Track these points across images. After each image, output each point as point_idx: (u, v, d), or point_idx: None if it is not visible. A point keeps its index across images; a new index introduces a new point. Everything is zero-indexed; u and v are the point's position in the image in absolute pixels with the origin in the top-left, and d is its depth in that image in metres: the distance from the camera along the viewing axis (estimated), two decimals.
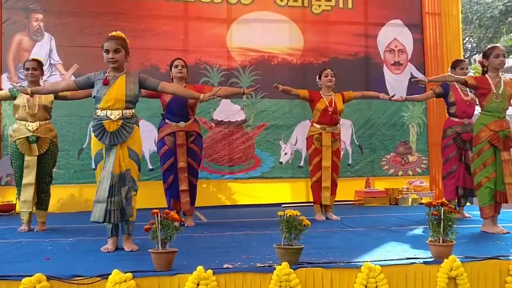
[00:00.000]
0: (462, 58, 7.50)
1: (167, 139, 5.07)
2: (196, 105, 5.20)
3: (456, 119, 5.52)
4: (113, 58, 3.76)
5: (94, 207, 3.67)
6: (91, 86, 3.84)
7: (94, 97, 3.80)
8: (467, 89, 5.45)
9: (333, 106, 5.38)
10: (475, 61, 17.89)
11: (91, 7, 6.87)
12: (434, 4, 7.87)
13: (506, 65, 22.03)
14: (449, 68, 5.80)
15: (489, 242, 3.99)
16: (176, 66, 5.13)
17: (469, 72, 5.58)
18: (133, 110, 3.84)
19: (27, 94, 4.16)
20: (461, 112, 5.45)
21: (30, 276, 2.71)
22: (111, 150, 3.71)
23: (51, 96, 4.82)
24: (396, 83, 7.75)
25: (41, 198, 4.82)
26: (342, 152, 7.40)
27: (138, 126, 3.91)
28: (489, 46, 4.66)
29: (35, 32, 6.77)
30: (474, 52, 21.83)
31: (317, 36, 7.52)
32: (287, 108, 7.34)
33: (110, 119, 3.73)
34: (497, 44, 4.72)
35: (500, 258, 3.27)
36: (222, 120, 7.18)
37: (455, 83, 5.46)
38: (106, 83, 3.75)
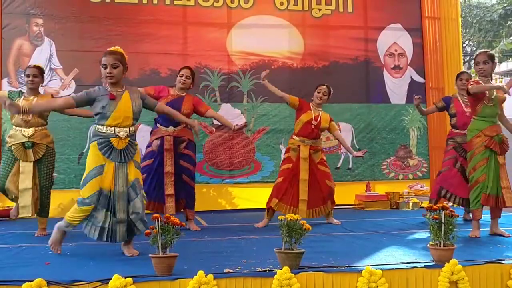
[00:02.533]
0: (461, 61, 7.54)
1: (154, 142, 5.09)
2: (190, 115, 5.16)
3: (457, 130, 5.54)
4: (111, 73, 3.68)
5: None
6: (91, 103, 3.72)
7: (98, 113, 3.69)
8: (465, 98, 5.45)
9: (318, 121, 5.33)
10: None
11: (91, 12, 6.89)
12: (433, 8, 7.88)
13: (505, 69, 22.03)
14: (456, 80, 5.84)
15: (490, 246, 3.99)
16: (182, 75, 5.16)
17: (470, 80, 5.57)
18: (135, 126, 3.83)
19: (19, 111, 3.92)
20: (461, 124, 5.43)
21: (31, 281, 2.70)
22: (119, 168, 3.68)
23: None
24: (396, 87, 7.77)
25: (42, 203, 4.81)
26: (342, 156, 7.49)
27: None
28: (476, 52, 4.65)
29: (35, 37, 6.78)
30: (474, 56, 21.84)
31: (317, 40, 7.54)
32: (287, 112, 7.32)
33: (118, 136, 3.68)
34: (484, 50, 4.69)
35: (501, 262, 3.27)
36: (222, 125, 7.17)
37: (458, 96, 5.57)
38: (113, 97, 3.66)
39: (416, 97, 5.68)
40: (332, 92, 5.47)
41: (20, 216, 4.79)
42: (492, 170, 4.37)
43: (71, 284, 2.76)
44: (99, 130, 3.69)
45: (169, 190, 5.01)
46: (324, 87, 5.42)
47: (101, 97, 3.68)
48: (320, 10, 7.59)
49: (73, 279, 2.80)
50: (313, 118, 5.32)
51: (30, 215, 4.73)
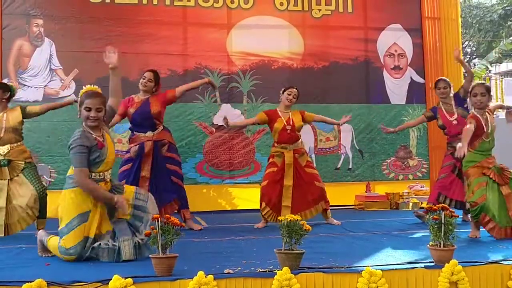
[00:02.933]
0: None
1: (132, 149, 5.08)
2: (162, 113, 5.18)
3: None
4: (95, 117, 3.59)
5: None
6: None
7: (92, 161, 3.58)
8: (452, 107, 5.49)
9: (291, 124, 5.33)
10: (474, 65, 17.90)
11: (91, 12, 6.88)
12: (433, 8, 7.88)
13: (505, 69, 21.99)
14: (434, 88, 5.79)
15: (490, 246, 3.99)
16: (144, 78, 5.14)
17: (447, 89, 5.56)
18: None
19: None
20: (453, 134, 5.45)
21: (31, 282, 2.70)
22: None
23: (19, 117, 4.78)
24: (396, 87, 7.76)
25: (40, 206, 4.78)
26: (342, 157, 7.48)
27: None
28: (473, 84, 4.58)
29: (35, 37, 6.78)
30: (474, 56, 21.88)
31: (317, 41, 7.53)
32: None
33: (106, 180, 3.69)
34: (481, 82, 4.60)
35: (502, 262, 3.27)
36: (222, 125, 7.16)
37: (441, 104, 5.56)
38: (102, 146, 3.60)
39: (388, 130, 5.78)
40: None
41: None
42: (492, 194, 4.28)
43: (71, 285, 2.77)
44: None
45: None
46: (295, 90, 5.46)
47: (93, 147, 3.57)
48: (320, 10, 7.59)
49: (73, 280, 2.80)
50: (285, 123, 5.33)
51: (2, 235, 4.61)
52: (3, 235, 4.63)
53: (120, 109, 4.93)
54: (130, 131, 5.34)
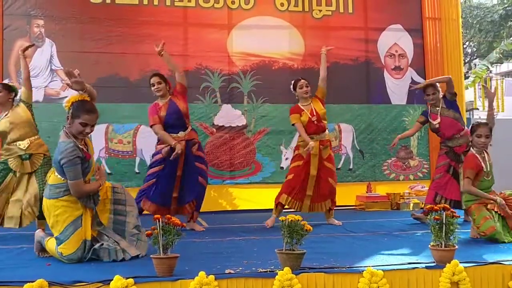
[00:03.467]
0: (462, 61, 7.55)
1: (164, 150, 5.07)
2: (187, 108, 5.23)
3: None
4: (88, 133, 3.60)
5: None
6: None
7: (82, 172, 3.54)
8: (443, 107, 5.50)
9: (315, 114, 5.33)
10: (475, 65, 17.90)
11: (92, 13, 6.89)
12: (434, 8, 7.88)
13: (506, 69, 21.97)
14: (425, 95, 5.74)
15: (492, 246, 3.98)
16: (153, 85, 5.13)
17: (436, 95, 5.62)
18: None
19: (82, 87, 3.68)
20: (446, 136, 5.50)
21: (32, 282, 2.70)
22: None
23: (26, 110, 4.83)
24: (396, 87, 7.77)
25: (41, 207, 4.80)
26: (343, 157, 7.48)
27: None
28: (474, 123, 4.55)
29: (36, 38, 6.78)
30: (474, 57, 21.87)
31: (317, 41, 7.49)
32: (288, 113, 7.30)
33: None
34: (485, 122, 4.53)
35: (503, 262, 3.26)
36: (223, 125, 7.19)
37: (430, 108, 5.60)
38: (89, 157, 3.61)
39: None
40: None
41: (5, 226, 4.75)
42: (499, 223, 4.25)
43: (72, 285, 2.77)
44: None
45: (176, 193, 5.08)
46: (302, 80, 5.41)
47: (83, 159, 3.54)
48: (320, 11, 7.59)
49: (74, 280, 2.80)
50: (310, 115, 5.33)
51: (16, 227, 4.69)
52: (17, 227, 4.71)
53: (155, 118, 5.03)
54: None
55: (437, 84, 5.69)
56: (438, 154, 5.72)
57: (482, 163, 4.36)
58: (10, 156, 4.76)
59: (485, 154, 4.45)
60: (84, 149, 3.58)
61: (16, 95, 4.99)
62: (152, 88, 5.13)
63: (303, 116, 5.33)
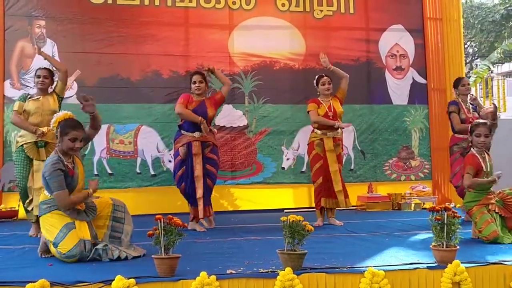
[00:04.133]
0: (463, 62, 7.57)
1: (181, 150, 5.15)
2: (214, 116, 5.41)
3: (460, 135, 5.61)
4: (78, 148, 3.74)
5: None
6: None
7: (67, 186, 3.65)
8: (470, 106, 5.64)
9: (332, 110, 5.43)
10: (476, 65, 17.89)
11: (93, 13, 6.89)
12: (435, 9, 7.88)
13: (507, 69, 22.04)
14: (452, 88, 5.96)
15: (493, 246, 3.98)
16: (195, 82, 5.23)
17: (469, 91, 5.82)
18: None
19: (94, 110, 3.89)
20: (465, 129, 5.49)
21: (34, 282, 2.70)
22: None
23: (56, 102, 5.01)
24: (398, 88, 7.76)
25: None
26: (344, 157, 7.47)
27: None
28: (474, 123, 4.54)
29: (37, 38, 6.79)
30: (476, 57, 21.85)
31: (318, 41, 7.53)
32: (289, 113, 7.34)
33: None
34: (483, 121, 4.52)
35: (505, 263, 3.26)
36: (224, 126, 7.19)
37: (461, 101, 5.70)
38: (72, 173, 3.69)
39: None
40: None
41: (29, 218, 4.90)
42: (500, 226, 4.24)
43: (74, 285, 2.77)
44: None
45: (200, 193, 5.12)
46: (326, 77, 5.53)
47: (65, 173, 3.64)
48: (321, 11, 7.59)
49: (76, 280, 2.80)
50: (327, 110, 5.42)
51: (34, 220, 4.78)
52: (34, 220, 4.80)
53: (184, 102, 5.12)
54: (178, 128, 5.33)
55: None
56: (451, 161, 5.79)
57: (482, 163, 4.36)
58: (26, 142, 4.84)
59: (486, 155, 4.44)
60: (69, 166, 3.68)
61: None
62: (193, 86, 5.21)
63: (320, 109, 5.44)
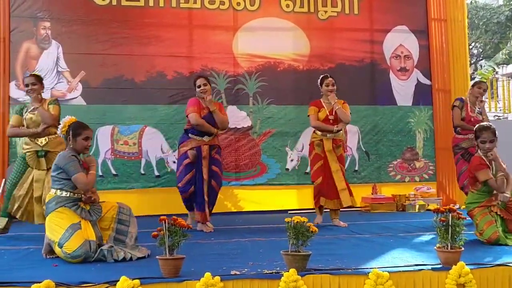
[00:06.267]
0: (468, 63, 7.56)
1: (190, 153, 5.14)
2: None
3: (460, 136, 5.64)
4: (89, 145, 3.92)
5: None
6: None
7: (68, 179, 3.76)
8: (476, 108, 5.65)
9: (333, 114, 5.44)
10: (481, 66, 17.85)
11: (98, 15, 6.91)
12: (440, 10, 7.86)
13: (510, 71, 22.11)
14: (470, 87, 6.00)
15: (498, 248, 3.97)
16: (199, 86, 5.24)
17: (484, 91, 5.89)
18: None
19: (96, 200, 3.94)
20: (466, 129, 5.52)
21: (39, 282, 2.72)
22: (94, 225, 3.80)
23: (58, 110, 4.98)
24: (402, 89, 7.75)
25: None
26: (349, 158, 7.47)
27: None
28: (477, 127, 4.51)
29: (42, 40, 6.81)
30: (480, 58, 21.80)
31: (323, 42, 7.53)
32: (293, 115, 7.33)
33: (82, 200, 3.83)
34: (487, 125, 4.47)
35: (509, 264, 3.25)
36: (228, 127, 7.17)
37: (469, 100, 5.71)
38: (85, 167, 3.84)
39: None
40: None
41: (37, 223, 4.86)
42: (501, 228, 4.23)
43: (79, 286, 2.78)
44: (66, 196, 3.76)
45: (206, 196, 5.15)
46: (330, 78, 5.55)
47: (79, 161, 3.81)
48: (326, 12, 7.58)
49: (80, 281, 2.82)
50: (328, 113, 5.43)
51: (41, 222, 4.73)
52: (41, 222, 4.74)
53: (195, 109, 5.14)
54: (185, 132, 5.33)
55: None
56: (455, 161, 5.80)
57: (488, 164, 4.36)
58: (29, 150, 4.86)
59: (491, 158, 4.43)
60: (83, 160, 3.90)
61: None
62: (198, 90, 5.22)
63: (321, 112, 5.45)
